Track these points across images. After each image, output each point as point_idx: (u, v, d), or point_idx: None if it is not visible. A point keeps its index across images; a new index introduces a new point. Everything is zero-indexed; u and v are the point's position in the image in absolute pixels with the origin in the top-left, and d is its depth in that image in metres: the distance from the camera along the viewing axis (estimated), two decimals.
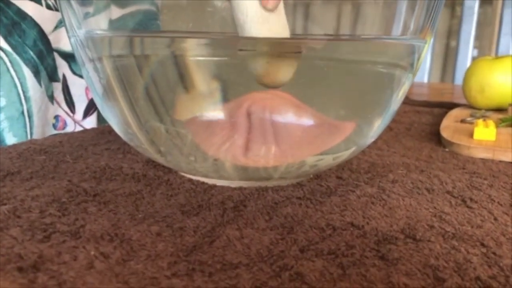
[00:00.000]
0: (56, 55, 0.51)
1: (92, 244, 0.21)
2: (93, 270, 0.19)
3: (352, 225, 0.25)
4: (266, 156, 0.26)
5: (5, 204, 0.26)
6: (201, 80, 0.25)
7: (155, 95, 0.26)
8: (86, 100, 0.55)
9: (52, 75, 0.51)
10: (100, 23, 0.28)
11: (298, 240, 0.23)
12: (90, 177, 0.31)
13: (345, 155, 0.29)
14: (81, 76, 0.53)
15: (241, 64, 0.25)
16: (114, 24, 0.28)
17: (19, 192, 0.27)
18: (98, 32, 0.28)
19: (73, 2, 0.26)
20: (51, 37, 0.50)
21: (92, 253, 0.21)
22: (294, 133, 0.26)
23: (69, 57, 0.53)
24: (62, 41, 0.52)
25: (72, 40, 0.28)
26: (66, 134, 0.44)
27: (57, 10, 0.50)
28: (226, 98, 0.25)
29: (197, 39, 0.26)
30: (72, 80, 0.53)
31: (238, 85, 0.26)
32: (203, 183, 0.30)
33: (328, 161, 0.29)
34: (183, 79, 0.25)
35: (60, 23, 0.50)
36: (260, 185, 0.30)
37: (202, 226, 0.24)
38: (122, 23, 0.27)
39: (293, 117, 0.25)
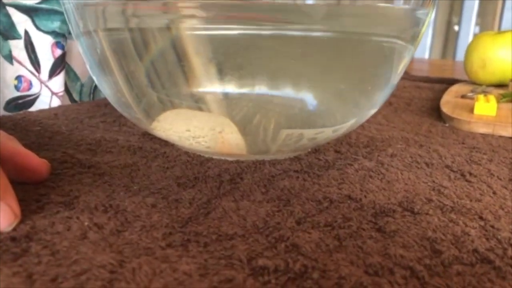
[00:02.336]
0: (12, 10, 0.46)
1: (86, 215, 0.21)
2: (87, 240, 0.19)
3: (350, 198, 0.24)
4: None
5: None
6: (195, 48, 0.24)
7: (150, 66, 0.25)
8: (52, 59, 0.49)
9: (8, 33, 0.46)
10: None
11: (295, 212, 0.22)
12: (85, 149, 0.30)
13: (344, 127, 0.29)
14: (46, 32, 0.48)
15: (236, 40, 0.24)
16: None
17: None
18: (93, 1, 0.28)
19: None
20: None
21: (86, 223, 0.20)
22: None
23: (32, 11, 0.47)
24: None
25: (65, 12, 0.28)
26: (60, 106, 0.43)
27: None
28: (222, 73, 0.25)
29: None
30: (36, 36, 0.48)
31: (235, 53, 0.25)
32: (199, 156, 0.30)
33: (327, 133, 0.28)
34: (176, 48, 0.25)
35: None
36: (257, 158, 0.29)
37: (198, 198, 0.23)
38: None
39: None
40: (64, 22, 0.48)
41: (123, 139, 0.33)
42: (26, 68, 0.48)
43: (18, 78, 0.48)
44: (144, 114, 0.28)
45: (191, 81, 0.25)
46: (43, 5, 0.47)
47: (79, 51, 0.50)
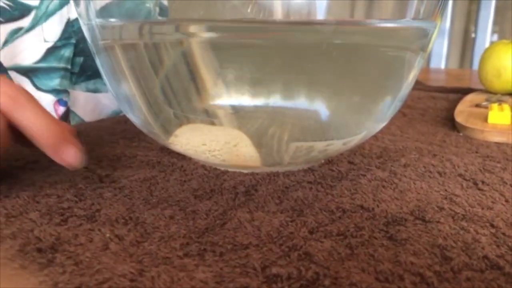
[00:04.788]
0: (13, 73, 0.45)
1: (107, 227, 0.22)
2: (108, 251, 0.20)
3: (362, 207, 0.25)
4: None
5: (25, 191, 0.27)
6: (207, 64, 0.25)
7: (165, 82, 0.27)
8: (56, 116, 0.47)
9: None
10: (91, 9, 0.28)
11: (308, 222, 0.23)
12: (106, 164, 0.32)
13: (355, 139, 0.30)
14: (47, 91, 0.47)
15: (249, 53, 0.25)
16: (101, 14, 0.28)
17: (38, 179, 0.28)
18: (111, 20, 0.29)
19: None
20: (1, 55, 0.44)
21: (107, 235, 0.21)
22: None
23: (30, 72, 0.46)
24: (19, 56, 0.45)
25: (85, 29, 0.29)
26: (82, 124, 0.45)
27: (2, 22, 0.43)
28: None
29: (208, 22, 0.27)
30: (37, 97, 0.45)
31: (246, 67, 0.26)
32: (215, 169, 0.31)
33: (337, 146, 0.29)
34: (189, 64, 0.26)
35: (12, 36, 0.44)
36: (271, 170, 0.30)
37: (214, 210, 0.24)
38: (107, 13, 0.27)
39: None
40: (63, 77, 0.47)
41: (142, 154, 0.34)
42: None
43: None
44: (161, 130, 0.29)
45: (205, 96, 0.27)
46: (41, 64, 0.47)
47: (85, 99, 0.51)
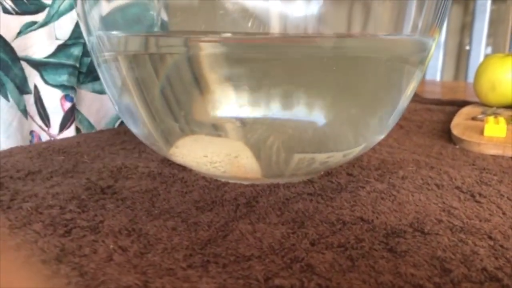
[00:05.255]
0: (24, 64, 0.47)
1: (111, 238, 0.22)
2: (113, 262, 0.20)
3: (362, 219, 0.25)
4: None
5: (27, 202, 0.27)
6: (215, 80, 0.26)
7: (169, 94, 0.27)
8: (61, 112, 0.49)
9: (22, 87, 0.47)
10: (93, 21, 0.28)
11: (309, 234, 0.23)
12: (108, 175, 0.32)
13: (355, 151, 0.30)
14: (55, 86, 0.49)
15: (256, 64, 0.26)
16: (105, 20, 0.28)
17: (40, 190, 0.29)
18: (114, 32, 0.29)
19: (90, 3, 0.27)
20: (14, 44, 0.46)
21: (111, 246, 0.22)
22: None
23: (40, 66, 0.48)
24: (31, 48, 0.47)
25: (88, 40, 0.29)
26: (82, 135, 0.45)
27: (18, 14, 0.45)
28: (239, 98, 0.26)
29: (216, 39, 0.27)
30: (45, 91, 0.48)
31: (251, 81, 0.26)
32: (216, 180, 0.31)
33: (338, 158, 0.29)
34: (196, 77, 0.26)
35: (26, 28, 0.46)
36: (272, 182, 0.30)
37: (216, 221, 0.25)
38: (112, 19, 0.28)
39: None
40: (71, 74, 0.49)
41: (143, 165, 0.34)
42: (36, 123, 0.49)
43: (31, 133, 0.49)
44: (163, 141, 0.29)
45: (211, 109, 0.27)
46: (51, 59, 0.48)
47: (91, 99, 0.52)
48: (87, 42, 0.30)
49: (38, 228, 0.23)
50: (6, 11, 0.45)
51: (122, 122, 0.55)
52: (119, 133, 0.45)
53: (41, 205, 0.26)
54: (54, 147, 0.39)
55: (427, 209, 0.27)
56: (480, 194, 0.29)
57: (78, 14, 0.29)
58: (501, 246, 0.22)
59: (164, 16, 0.29)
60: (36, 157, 0.36)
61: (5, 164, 0.34)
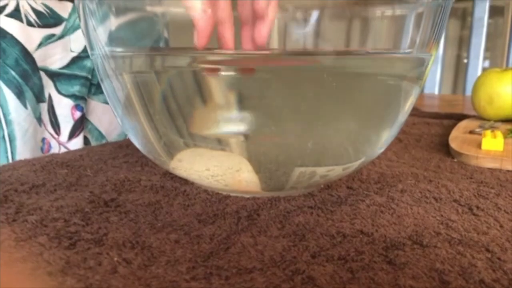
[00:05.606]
0: (42, 74, 0.49)
1: (115, 251, 0.23)
2: (117, 274, 0.21)
3: (362, 232, 0.26)
4: None
5: (32, 215, 0.27)
6: (218, 93, 0.26)
7: (173, 108, 0.28)
8: (72, 121, 0.52)
9: (39, 95, 0.49)
10: (100, 36, 0.29)
11: (310, 246, 0.24)
12: (111, 189, 0.32)
13: (354, 165, 0.30)
14: (67, 96, 0.52)
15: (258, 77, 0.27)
16: (113, 35, 0.29)
17: (44, 203, 0.29)
18: (119, 49, 0.30)
19: (97, 18, 0.28)
20: (35, 55, 0.48)
21: (116, 259, 0.22)
22: None
23: (55, 76, 0.50)
24: (48, 59, 0.49)
25: (93, 56, 0.30)
26: (85, 148, 0.45)
27: (40, 26, 0.48)
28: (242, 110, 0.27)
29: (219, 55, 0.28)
30: (57, 100, 0.51)
31: (254, 96, 0.27)
32: (218, 193, 0.31)
33: (338, 171, 0.30)
34: (201, 93, 0.27)
35: (46, 40, 0.49)
36: (272, 195, 0.31)
37: (218, 234, 0.25)
38: (121, 34, 0.28)
39: None
40: (83, 85, 0.52)
41: (145, 179, 0.35)
42: (48, 131, 0.51)
43: (43, 140, 0.51)
44: (167, 156, 0.30)
45: (211, 123, 0.28)
46: (65, 70, 0.51)
47: (102, 110, 0.55)
48: (91, 57, 0.31)
49: (43, 241, 0.24)
50: (30, 23, 0.48)
51: None
52: (122, 147, 0.45)
53: (45, 218, 0.27)
54: (58, 161, 0.39)
55: (426, 222, 0.27)
56: (477, 207, 0.30)
57: (82, 31, 0.30)
58: (499, 258, 0.23)
59: (165, 32, 0.30)
60: (40, 171, 0.36)
61: (9, 177, 0.34)
